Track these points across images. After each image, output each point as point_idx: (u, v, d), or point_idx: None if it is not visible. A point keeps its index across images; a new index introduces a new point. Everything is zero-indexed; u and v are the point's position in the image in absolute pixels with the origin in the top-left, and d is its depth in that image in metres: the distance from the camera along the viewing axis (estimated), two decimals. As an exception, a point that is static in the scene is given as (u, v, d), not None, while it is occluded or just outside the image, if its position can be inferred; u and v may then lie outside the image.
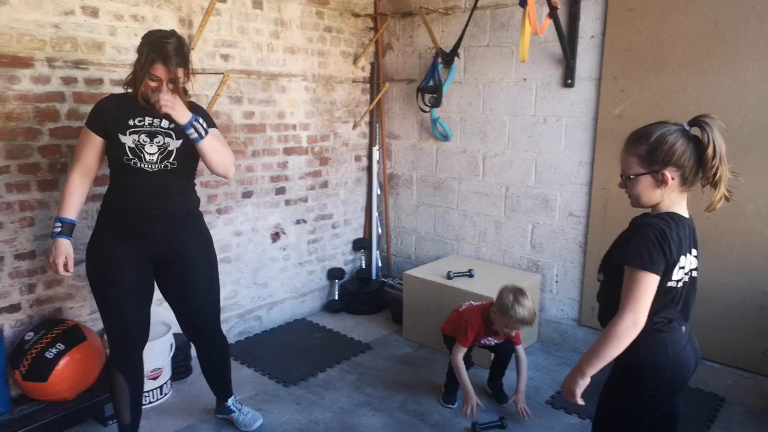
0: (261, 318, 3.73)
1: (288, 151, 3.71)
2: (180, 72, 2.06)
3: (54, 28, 2.56)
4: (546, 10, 3.07)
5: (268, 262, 3.71)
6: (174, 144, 2.13)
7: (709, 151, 1.52)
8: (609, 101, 3.21)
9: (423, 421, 2.73)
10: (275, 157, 3.64)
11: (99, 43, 2.71)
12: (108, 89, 2.75)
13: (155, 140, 2.10)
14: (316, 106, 3.83)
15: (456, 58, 3.72)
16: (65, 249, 2.10)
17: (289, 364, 3.26)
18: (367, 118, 4.23)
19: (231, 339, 3.52)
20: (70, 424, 2.54)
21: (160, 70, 2.02)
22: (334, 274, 4.14)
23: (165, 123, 2.11)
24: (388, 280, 4.21)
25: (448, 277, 3.46)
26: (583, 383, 1.65)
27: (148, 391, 2.77)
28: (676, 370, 1.62)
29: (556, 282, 3.59)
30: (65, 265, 2.10)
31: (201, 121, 2.06)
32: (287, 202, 3.77)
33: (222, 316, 3.50)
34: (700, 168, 1.55)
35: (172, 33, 2.07)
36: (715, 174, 1.53)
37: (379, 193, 4.33)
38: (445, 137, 3.92)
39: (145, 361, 2.68)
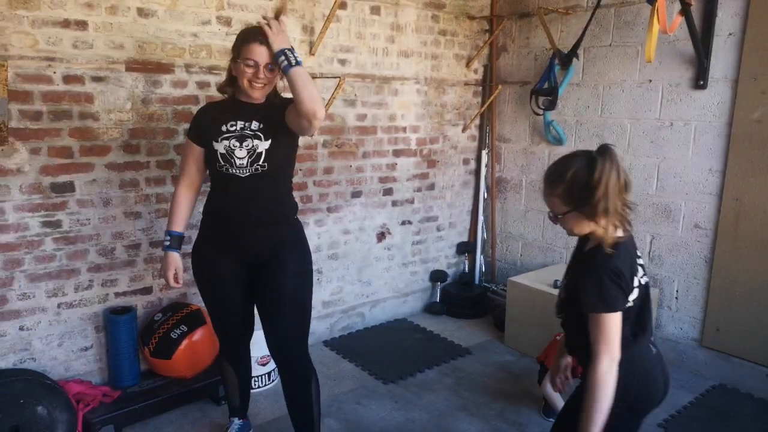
0: (363, 315, 3.83)
1: (397, 153, 3.77)
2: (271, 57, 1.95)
3: (192, 37, 2.81)
4: (677, 6, 2.87)
5: (372, 261, 3.80)
6: (263, 145, 2.04)
7: (594, 181, 1.49)
8: (747, 104, 2.92)
9: (521, 431, 2.67)
10: (384, 158, 3.72)
11: (229, 50, 2.92)
12: (234, 92, 2.96)
13: (244, 144, 2.03)
14: (427, 109, 3.86)
15: (574, 59, 3.57)
16: (174, 262, 2.18)
17: (388, 362, 3.32)
18: (477, 121, 4.19)
19: (335, 333, 3.65)
20: (189, 400, 2.77)
21: (255, 52, 1.95)
22: (436, 276, 4.14)
23: (255, 125, 2.05)
24: (491, 285, 4.14)
25: (555, 286, 3.33)
26: None
27: (257, 377, 2.95)
28: (644, 387, 1.61)
29: (676, 298, 3.33)
30: (175, 277, 2.19)
31: (296, 53, 1.93)
32: (394, 203, 3.83)
33: (327, 311, 3.66)
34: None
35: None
36: (597, 204, 1.49)
37: (486, 196, 4.27)
38: (559, 141, 3.78)
39: (255, 349, 2.86)
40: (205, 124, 2.10)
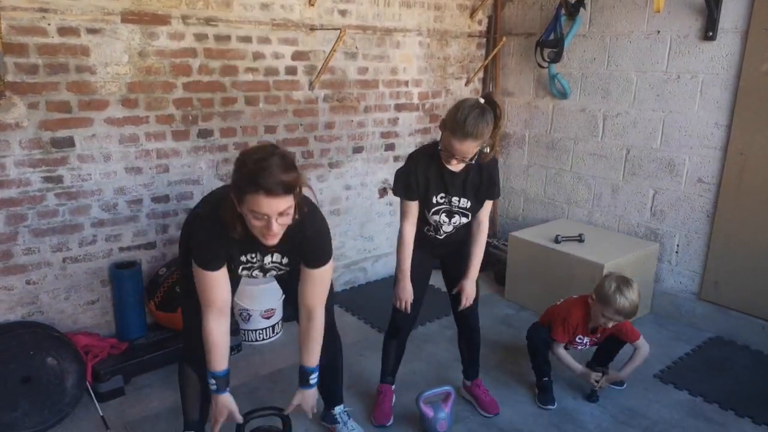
0: (366, 269, 3.86)
1: (399, 108, 3.72)
2: (289, 200, 1.58)
3: (187, -13, 2.74)
4: (688, -48, 2.76)
5: (374, 217, 3.81)
6: (288, 272, 1.91)
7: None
8: (756, 56, 2.86)
9: (520, 382, 2.73)
10: (386, 113, 3.67)
11: (228, 1, 2.85)
12: (234, 45, 2.91)
13: (269, 274, 1.90)
14: (429, 62, 3.79)
15: (581, 9, 3.48)
16: (227, 406, 1.86)
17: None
18: (480, 74, 4.12)
19: (337, 288, 3.70)
20: (196, 351, 2.83)
21: (263, 204, 1.54)
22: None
23: (277, 257, 1.84)
24: (492, 240, 4.16)
25: (556, 241, 3.35)
26: None
27: (261, 329, 3.01)
28: None
29: (676, 252, 3.35)
30: (230, 416, 1.88)
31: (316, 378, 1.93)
32: (396, 159, 3.81)
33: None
34: None
35: (271, 150, 1.58)
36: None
37: (488, 152, 4.23)
38: (563, 95, 3.72)
39: (259, 301, 2.91)
40: (219, 252, 1.73)
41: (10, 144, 2.44)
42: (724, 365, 2.90)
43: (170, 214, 2.94)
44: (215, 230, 1.69)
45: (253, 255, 1.80)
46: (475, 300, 2.38)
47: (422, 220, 2.22)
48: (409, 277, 2.24)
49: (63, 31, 2.46)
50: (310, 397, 1.97)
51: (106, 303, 2.83)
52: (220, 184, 3.05)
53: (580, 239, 3.36)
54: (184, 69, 2.80)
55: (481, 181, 2.16)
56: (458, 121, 1.93)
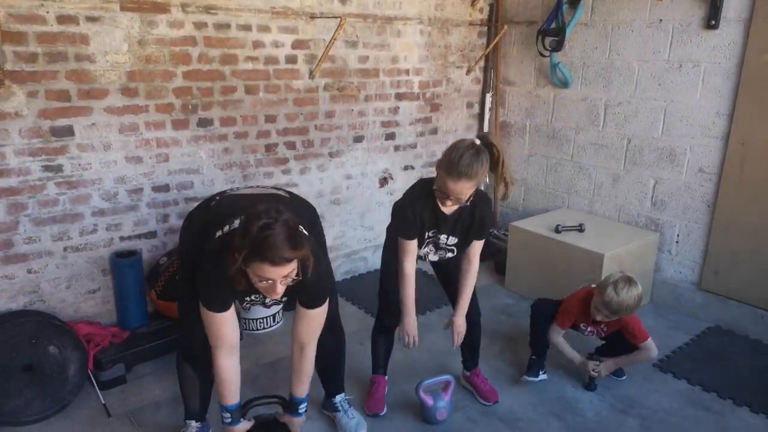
0: (366, 259, 3.87)
1: (399, 97, 3.71)
2: (294, 265, 1.61)
3: (186, -26, 2.72)
4: (691, -60, 2.74)
5: (375, 206, 3.81)
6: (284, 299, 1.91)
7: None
8: (759, 45, 2.85)
9: (519, 371, 2.74)
10: (387, 102, 3.66)
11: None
12: (234, 34, 2.90)
13: (273, 307, 2.06)
14: (430, 51, 3.77)
15: (582, -2, 3.46)
16: None
17: (391, 304, 3.38)
18: (481, 63, 4.10)
19: (338, 277, 3.70)
20: (197, 339, 2.84)
21: (267, 272, 1.57)
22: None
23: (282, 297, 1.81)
24: (492, 230, 4.16)
25: (557, 231, 3.35)
26: None
27: (262, 318, 3.02)
28: None
29: (677, 242, 3.35)
30: None
31: (303, 410, 2.01)
32: (396, 148, 3.80)
33: (330, 255, 3.67)
34: None
35: (276, 217, 1.57)
36: None
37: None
38: (565, 84, 3.70)
39: (261, 290, 2.91)
40: (227, 296, 1.77)
41: (9, 133, 2.44)
42: (723, 354, 2.91)
43: (170, 204, 2.94)
44: (223, 277, 1.68)
45: (257, 296, 1.85)
46: (474, 292, 2.39)
47: None
48: (413, 312, 2.24)
49: (62, 19, 2.45)
50: (297, 424, 2.03)
51: (107, 292, 2.84)
52: (220, 174, 3.05)
53: (580, 229, 3.36)
54: (184, 58, 2.78)
55: (473, 222, 2.16)
56: (452, 161, 1.92)
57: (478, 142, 1.98)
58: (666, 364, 2.82)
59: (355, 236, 3.77)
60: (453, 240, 2.20)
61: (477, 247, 2.23)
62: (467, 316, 2.41)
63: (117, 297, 2.81)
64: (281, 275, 1.59)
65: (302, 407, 2.01)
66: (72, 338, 2.43)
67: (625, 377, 2.68)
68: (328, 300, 1.90)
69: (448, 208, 2.10)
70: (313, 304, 1.87)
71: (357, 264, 3.83)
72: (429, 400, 2.30)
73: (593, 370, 2.54)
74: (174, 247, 2.97)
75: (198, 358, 2.02)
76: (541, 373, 2.62)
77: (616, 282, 2.38)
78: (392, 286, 2.31)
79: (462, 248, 2.23)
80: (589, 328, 2.59)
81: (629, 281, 2.39)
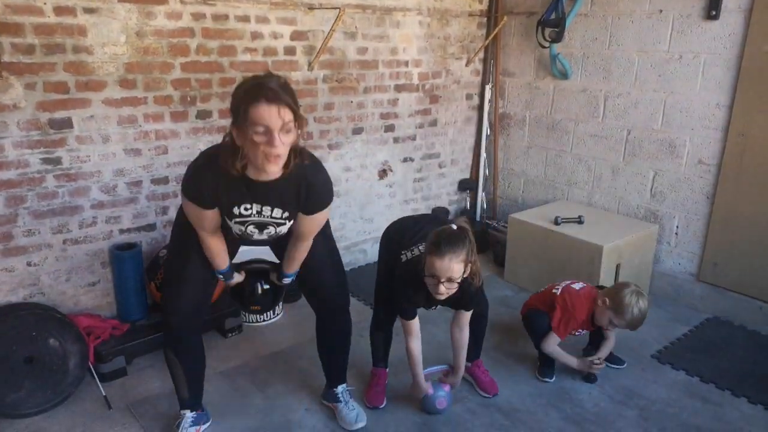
0: (366, 251, 3.87)
1: (399, 89, 3.70)
2: (290, 114, 1.57)
3: (184, -35, 2.70)
4: (692, -70, 2.72)
5: (374, 198, 3.81)
6: (286, 227, 1.88)
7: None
8: (760, 35, 2.84)
9: (518, 362, 2.75)
10: (386, 94, 3.65)
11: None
12: (232, 25, 2.88)
13: (265, 231, 1.86)
14: (429, 42, 3.75)
15: (583, -12, 3.44)
16: (235, 282, 2.10)
17: (391, 296, 3.38)
18: (481, 55, 4.08)
19: (338, 268, 3.71)
20: (197, 331, 2.85)
21: (263, 115, 1.52)
22: (438, 213, 4.17)
23: (277, 212, 1.81)
24: (492, 222, 4.16)
25: (556, 223, 3.35)
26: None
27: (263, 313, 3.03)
28: None
29: (676, 234, 3.36)
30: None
31: (290, 277, 2.10)
32: (395, 140, 3.80)
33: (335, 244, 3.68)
34: None
35: (271, 74, 1.62)
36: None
37: (488, 133, 4.23)
38: (564, 75, 3.69)
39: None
40: (212, 197, 1.74)
41: (7, 125, 2.43)
42: (721, 346, 2.93)
43: (170, 196, 2.93)
44: (209, 166, 1.70)
45: (249, 207, 1.76)
46: (481, 285, 2.39)
47: None
48: (422, 380, 2.30)
49: (59, 10, 2.43)
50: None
51: (106, 284, 2.84)
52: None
53: (579, 221, 3.36)
54: (182, 49, 2.77)
55: (462, 297, 2.16)
56: (434, 242, 1.97)
57: (454, 227, 2.01)
58: (664, 355, 2.83)
59: (354, 228, 3.78)
60: (445, 308, 2.28)
61: (466, 316, 2.26)
62: (475, 310, 2.43)
63: (117, 290, 2.81)
64: (278, 121, 1.53)
65: (288, 279, 2.11)
66: (72, 331, 2.43)
67: (625, 365, 2.69)
68: (330, 205, 1.91)
69: (443, 295, 2.05)
70: (315, 210, 1.87)
71: (356, 256, 3.84)
72: (429, 390, 2.31)
73: (596, 365, 2.55)
74: (173, 239, 2.97)
75: (178, 340, 2.08)
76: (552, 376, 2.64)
77: (638, 301, 2.38)
78: (387, 280, 2.34)
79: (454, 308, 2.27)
80: (582, 331, 2.61)
81: (641, 295, 2.41)
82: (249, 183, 1.71)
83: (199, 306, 2.08)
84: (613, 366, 2.68)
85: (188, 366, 2.13)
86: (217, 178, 1.69)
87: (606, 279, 3.08)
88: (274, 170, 1.63)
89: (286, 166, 1.66)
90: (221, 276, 2.03)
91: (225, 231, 1.90)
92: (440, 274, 1.95)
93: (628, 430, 2.32)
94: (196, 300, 2.05)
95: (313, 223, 1.91)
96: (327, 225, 2.11)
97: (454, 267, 1.94)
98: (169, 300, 2.05)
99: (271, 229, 1.85)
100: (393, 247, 2.28)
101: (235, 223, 1.81)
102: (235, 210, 1.77)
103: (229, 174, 1.66)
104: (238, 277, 2.10)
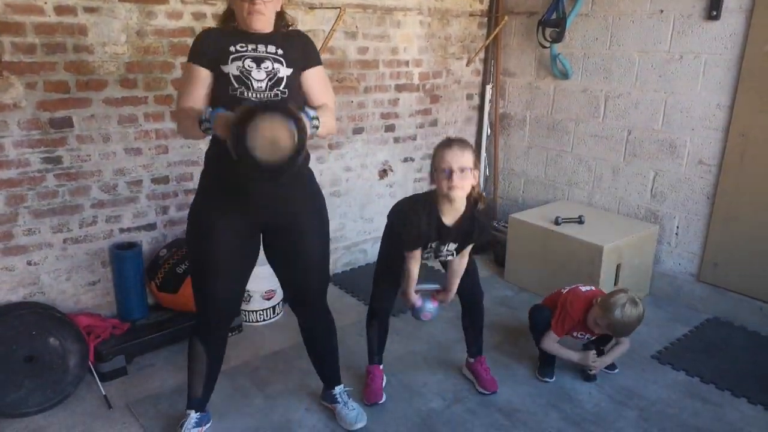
0: (366, 251, 3.87)
1: (399, 88, 3.70)
2: None
3: (184, -35, 2.70)
4: (693, -70, 2.72)
5: (374, 198, 3.81)
6: (284, 71, 1.86)
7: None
8: (761, 36, 2.84)
9: (518, 362, 2.75)
10: (386, 94, 3.65)
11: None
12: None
13: (263, 65, 1.82)
14: (430, 42, 3.75)
15: (583, -12, 3.44)
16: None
17: (391, 296, 3.39)
18: (481, 55, 4.08)
19: (337, 269, 3.71)
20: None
21: None
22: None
23: (272, 48, 1.86)
24: (492, 222, 4.16)
25: (556, 223, 3.35)
26: None
27: (262, 310, 3.03)
28: None
29: (676, 234, 3.35)
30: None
31: (313, 114, 1.76)
32: (396, 140, 3.80)
33: (330, 247, 3.68)
34: None
35: None
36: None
37: (489, 133, 4.22)
38: (565, 75, 3.69)
39: (260, 282, 2.92)
40: (210, 47, 1.83)
41: (8, 124, 2.43)
42: (722, 346, 2.92)
43: (170, 195, 2.94)
44: (206, 32, 1.93)
45: (243, 45, 1.84)
46: (476, 274, 2.41)
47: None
48: (412, 294, 2.28)
49: (60, 9, 2.44)
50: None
51: (107, 284, 2.85)
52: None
53: (580, 221, 3.36)
54: (183, 49, 2.76)
55: (473, 230, 2.15)
56: (442, 141, 2.08)
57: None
58: (664, 355, 2.83)
59: (354, 228, 3.77)
60: (453, 246, 2.21)
61: (469, 248, 2.26)
62: (471, 295, 2.47)
63: (117, 289, 2.82)
64: None
65: (312, 115, 1.77)
66: (72, 330, 2.43)
67: (617, 370, 2.69)
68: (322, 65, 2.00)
69: (451, 212, 2.08)
70: (309, 61, 1.95)
71: (356, 256, 3.84)
72: (418, 301, 2.31)
73: (593, 363, 2.55)
74: (174, 239, 2.97)
75: (210, 331, 2.07)
76: (552, 376, 2.64)
77: (624, 305, 2.35)
78: (385, 275, 2.38)
79: (459, 252, 2.25)
80: (586, 336, 2.60)
81: (634, 303, 2.38)
82: (244, 32, 1.87)
83: (235, 296, 2.08)
84: (605, 370, 2.67)
85: (213, 360, 2.11)
86: (215, 31, 1.93)
87: (606, 279, 3.08)
88: (256, 26, 1.83)
89: (275, 29, 1.90)
90: (208, 122, 1.69)
91: (220, 94, 1.82)
92: (452, 162, 1.97)
93: (628, 430, 2.32)
94: (232, 290, 2.03)
95: (317, 81, 1.96)
96: (325, 222, 2.10)
97: (464, 155, 2.00)
98: (202, 295, 2.01)
99: (269, 64, 1.83)
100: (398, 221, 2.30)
101: (232, 60, 1.81)
102: (231, 48, 1.83)
103: (225, 27, 1.92)
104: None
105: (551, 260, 3.32)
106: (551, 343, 2.57)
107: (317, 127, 1.78)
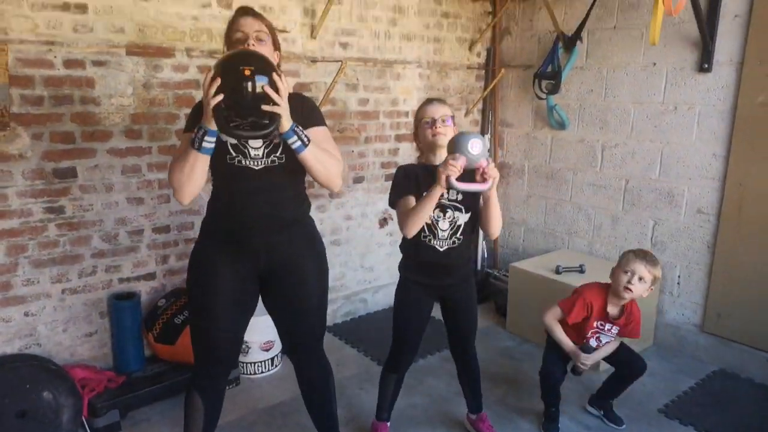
0: (366, 300, 3.84)
1: (399, 138, 3.75)
2: (265, 28, 1.85)
3: (193, 20, 2.78)
4: (682, -11, 2.83)
5: (375, 247, 3.81)
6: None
7: None
8: (752, 88, 2.90)
9: (523, 417, 2.69)
10: (386, 143, 3.70)
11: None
12: (236, 77, 2.94)
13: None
14: (429, 93, 3.83)
15: (578, 42, 3.54)
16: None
17: (392, 346, 3.33)
18: (480, 105, 4.16)
19: (337, 319, 3.67)
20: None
21: (241, 23, 1.83)
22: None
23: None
24: (493, 271, 4.14)
25: (557, 272, 3.34)
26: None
27: (260, 362, 2.98)
28: None
29: (678, 284, 3.34)
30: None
31: (301, 129, 1.75)
32: (396, 188, 3.82)
33: (329, 297, 3.60)
34: None
35: None
36: None
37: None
38: (562, 125, 3.76)
39: (259, 333, 2.89)
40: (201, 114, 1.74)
41: (12, 174, 2.45)
42: (729, 399, 2.86)
43: (171, 245, 2.93)
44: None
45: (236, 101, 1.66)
46: (473, 332, 2.37)
47: (418, 233, 2.12)
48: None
49: (69, 63, 2.50)
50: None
51: (104, 335, 2.80)
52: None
53: (581, 270, 3.35)
54: (187, 100, 2.82)
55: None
56: (421, 104, 2.26)
57: None
58: (671, 409, 2.76)
59: (354, 277, 3.75)
60: (454, 193, 2.10)
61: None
62: (462, 346, 2.40)
63: (114, 340, 2.77)
64: (252, 28, 1.82)
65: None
66: (67, 383, 2.38)
67: (624, 426, 2.62)
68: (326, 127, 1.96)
69: (442, 157, 2.02)
70: (312, 121, 1.89)
71: (357, 306, 3.80)
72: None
73: (584, 360, 2.46)
74: (173, 288, 2.95)
75: (205, 382, 2.00)
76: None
77: (635, 251, 2.48)
78: (405, 319, 2.33)
79: (468, 205, 2.14)
80: (607, 326, 2.49)
81: (647, 254, 2.47)
82: None
83: (234, 346, 2.02)
84: (611, 425, 2.61)
85: (210, 414, 2.03)
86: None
87: (609, 329, 3.05)
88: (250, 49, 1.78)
89: None
90: (212, 137, 1.68)
91: (217, 163, 1.79)
92: (434, 113, 2.16)
93: (638, 488, 2.24)
94: (230, 339, 1.98)
95: (316, 140, 1.82)
96: (325, 269, 2.06)
97: (443, 108, 2.19)
98: (200, 343, 1.96)
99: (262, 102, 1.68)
100: None
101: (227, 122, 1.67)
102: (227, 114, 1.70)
103: None
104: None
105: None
106: (552, 319, 2.52)
107: (304, 142, 1.73)
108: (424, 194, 2.01)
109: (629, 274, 2.38)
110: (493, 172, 1.92)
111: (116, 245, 2.76)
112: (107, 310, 2.77)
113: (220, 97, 1.61)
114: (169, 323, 2.73)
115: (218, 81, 1.61)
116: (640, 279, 2.37)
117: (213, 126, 1.66)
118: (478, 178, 1.91)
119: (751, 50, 2.89)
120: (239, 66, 1.61)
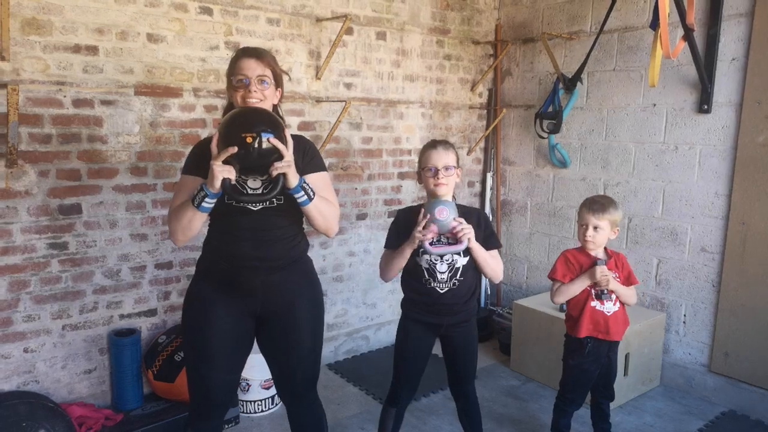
0: (368, 338, 3.80)
1: (402, 176, 3.79)
2: (270, 71, 1.82)
3: (201, 62, 2.85)
4: (680, 32, 2.89)
5: (377, 284, 3.79)
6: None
7: None
8: (751, 128, 2.93)
9: (529, 460, 2.62)
10: (390, 181, 3.73)
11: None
12: (241, 116, 3.00)
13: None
14: (432, 132, 3.88)
15: (578, 84, 3.60)
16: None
17: (394, 386, 3.28)
18: (482, 144, 4.21)
19: (339, 357, 3.63)
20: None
21: (243, 66, 1.79)
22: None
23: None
24: (496, 308, 4.11)
25: (561, 309, 3.30)
26: None
27: (260, 400, 2.93)
28: None
29: (684, 323, 3.30)
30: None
31: (308, 184, 1.80)
32: (399, 225, 3.83)
33: (331, 334, 3.64)
34: None
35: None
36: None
37: (491, 219, 4.27)
38: (563, 164, 3.79)
39: (259, 371, 2.85)
40: (204, 159, 1.75)
41: (18, 211, 2.47)
42: (740, 442, 2.79)
43: (173, 281, 2.93)
44: (202, 143, 1.90)
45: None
46: (472, 373, 2.34)
47: (417, 276, 2.17)
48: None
49: (78, 102, 2.55)
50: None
51: (103, 372, 2.78)
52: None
53: (585, 308, 3.31)
54: (193, 139, 2.87)
55: (477, 225, 2.13)
56: (425, 146, 2.20)
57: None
58: (681, 452, 2.69)
59: (357, 314, 3.73)
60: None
61: (492, 253, 2.18)
62: (460, 386, 2.36)
63: (113, 377, 2.75)
64: (255, 71, 1.80)
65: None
66: (64, 421, 2.35)
67: None
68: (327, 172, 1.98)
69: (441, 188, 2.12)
70: (312, 167, 1.91)
71: (358, 343, 3.76)
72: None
73: (602, 274, 2.38)
74: (174, 325, 2.93)
75: (203, 423, 1.99)
76: None
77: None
78: (405, 356, 2.31)
79: (468, 252, 2.13)
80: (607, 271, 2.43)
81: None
82: None
83: (230, 385, 1.99)
84: None
85: None
86: (210, 142, 1.74)
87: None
88: (251, 99, 1.79)
89: None
90: (212, 198, 1.72)
91: (217, 204, 1.78)
92: (437, 162, 2.10)
93: None
94: (227, 378, 1.95)
95: (316, 186, 1.85)
96: (320, 313, 2.04)
97: (448, 155, 2.13)
98: (196, 384, 1.94)
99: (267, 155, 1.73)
100: None
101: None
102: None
103: None
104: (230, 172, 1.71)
105: (558, 348, 3.22)
106: (556, 293, 2.48)
107: (310, 197, 1.80)
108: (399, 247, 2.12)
109: (584, 227, 2.40)
110: (466, 231, 2.04)
111: (118, 281, 2.77)
112: (107, 347, 2.76)
113: (230, 171, 1.69)
114: (169, 360, 2.71)
115: (227, 151, 1.66)
116: (596, 228, 2.37)
117: (215, 189, 1.69)
118: (452, 239, 2.08)
119: (750, 92, 2.93)
120: (242, 133, 1.66)
